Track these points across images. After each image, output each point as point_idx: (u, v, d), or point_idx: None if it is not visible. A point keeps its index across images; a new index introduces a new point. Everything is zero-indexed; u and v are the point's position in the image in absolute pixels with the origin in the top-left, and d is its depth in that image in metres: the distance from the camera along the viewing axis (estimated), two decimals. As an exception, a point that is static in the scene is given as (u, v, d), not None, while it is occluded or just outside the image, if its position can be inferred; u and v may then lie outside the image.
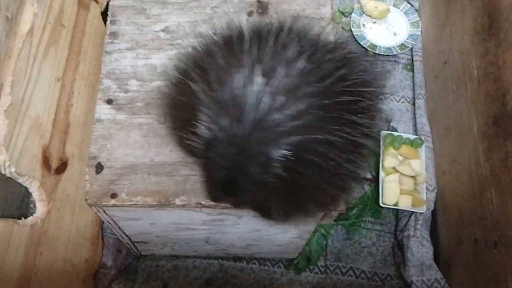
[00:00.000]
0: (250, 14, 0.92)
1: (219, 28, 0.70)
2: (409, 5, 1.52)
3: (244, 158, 0.58)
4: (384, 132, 1.31)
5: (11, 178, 0.84)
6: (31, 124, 0.88)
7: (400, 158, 1.29)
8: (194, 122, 0.60)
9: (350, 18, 1.50)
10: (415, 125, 1.36)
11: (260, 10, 0.92)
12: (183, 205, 0.78)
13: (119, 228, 0.94)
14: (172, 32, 0.90)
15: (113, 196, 0.78)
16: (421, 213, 1.22)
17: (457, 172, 1.15)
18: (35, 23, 0.90)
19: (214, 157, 0.60)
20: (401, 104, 1.40)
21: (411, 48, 1.46)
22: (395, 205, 1.25)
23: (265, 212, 0.77)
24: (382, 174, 1.27)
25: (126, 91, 0.86)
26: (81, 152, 1.06)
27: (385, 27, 1.51)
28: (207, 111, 0.59)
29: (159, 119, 0.82)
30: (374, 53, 1.44)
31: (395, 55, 1.46)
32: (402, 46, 1.46)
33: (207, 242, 1.07)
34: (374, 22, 1.52)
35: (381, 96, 0.72)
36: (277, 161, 0.58)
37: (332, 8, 0.95)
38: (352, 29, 1.48)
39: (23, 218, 0.89)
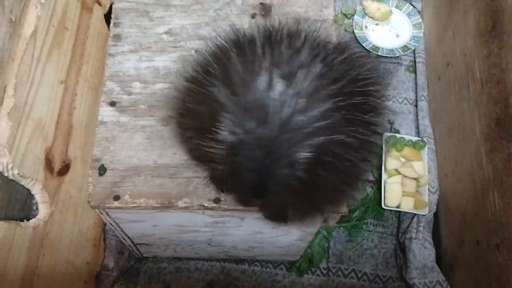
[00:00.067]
0: (253, 16, 0.92)
1: (225, 33, 0.70)
2: (412, 6, 1.52)
3: (272, 160, 0.59)
4: (386, 134, 1.31)
5: (13, 180, 0.84)
6: (34, 126, 0.88)
7: (403, 160, 1.29)
8: (213, 129, 0.60)
9: (353, 20, 1.50)
10: (417, 127, 1.36)
11: (263, 13, 0.92)
12: (186, 207, 0.78)
13: (122, 230, 0.94)
14: (175, 35, 0.90)
15: (116, 198, 0.78)
16: (423, 215, 1.22)
17: (460, 174, 1.15)
18: (38, 26, 0.90)
19: (241, 161, 0.60)
20: (403, 106, 1.40)
21: (414, 50, 1.46)
22: (397, 207, 1.25)
23: (280, 214, 0.77)
24: (384, 176, 1.27)
25: (130, 94, 0.86)
26: (83, 154, 1.06)
27: (387, 28, 1.51)
28: (230, 116, 0.59)
29: (162, 121, 0.82)
30: (377, 55, 1.44)
31: (397, 56, 1.46)
32: (405, 47, 1.46)
33: (209, 244, 1.07)
34: (377, 24, 1.52)
35: (385, 95, 0.74)
36: (301, 163, 0.59)
37: (335, 10, 0.95)
38: (355, 31, 1.48)
39: (25, 220, 0.89)
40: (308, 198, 0.68)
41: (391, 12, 1.51)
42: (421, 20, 1.49)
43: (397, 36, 1.50)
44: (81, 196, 1.06)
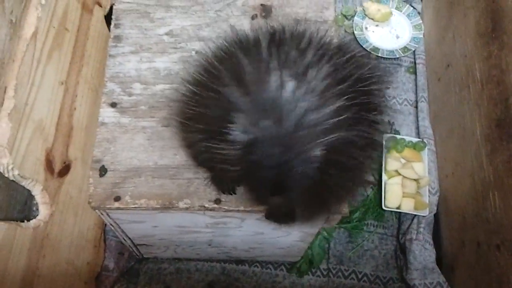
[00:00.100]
0: (253, 17, 0.92)
1: (228, 35, 0.71)
2: (412, 8, 1.52)
3: (290, 156, 0.59)
4: (386, 135, 1.31)
5: (14, 181, 0.84)
6: (34, 127, 0.88)
7: (403, 161, 1.29)
8: (224, 130, 0.60)
9: (353, 21, 1.50)
10: (417, 128, 1.36)
11: (263, 14, 0.92)
12: (187, 208, 0.78)
13: (122, 231, 0.94)
14: (176, 36, 0.90)
15: (117, 199, 0.78)
16: (423, 216, 1.22)
17: (460, 175, 1.15)
18: (39, 27, 0.90)
19: (258, 159, 0.60)
20: (403, 107, 1.40)
21: (414, 51, 1.46)
22: (397, 208, 1.25)
23: (287, 214, 0.76)
24: (384, 177, 1.27)
25: (130, 95, 0.86)
26: (84, 155, 1.06)
27: (387, 30, 1.51)
28: (244, 115, 0.59)
29: (163, 122, 0.82)
30: (377, 56, 1.44)
31: (397, 58, 1.46)
32: (405, 49, 1.46)
33: (209, 245, 1.07)
34: (377, 25, 1.52)
35: (386, 93, 0.75)
36: (316, 160, 0.60)
37: (335, 11, 0.95)
38: (355, 32, 1.48)
39: (26, 221, 0.89)
40: (318, 197, 0.69)
41: (391, 13, 1.51)
42: (421, 21, 1.49)
43: (397, 37, 1.50)
44: (81, 197, 1.06)
